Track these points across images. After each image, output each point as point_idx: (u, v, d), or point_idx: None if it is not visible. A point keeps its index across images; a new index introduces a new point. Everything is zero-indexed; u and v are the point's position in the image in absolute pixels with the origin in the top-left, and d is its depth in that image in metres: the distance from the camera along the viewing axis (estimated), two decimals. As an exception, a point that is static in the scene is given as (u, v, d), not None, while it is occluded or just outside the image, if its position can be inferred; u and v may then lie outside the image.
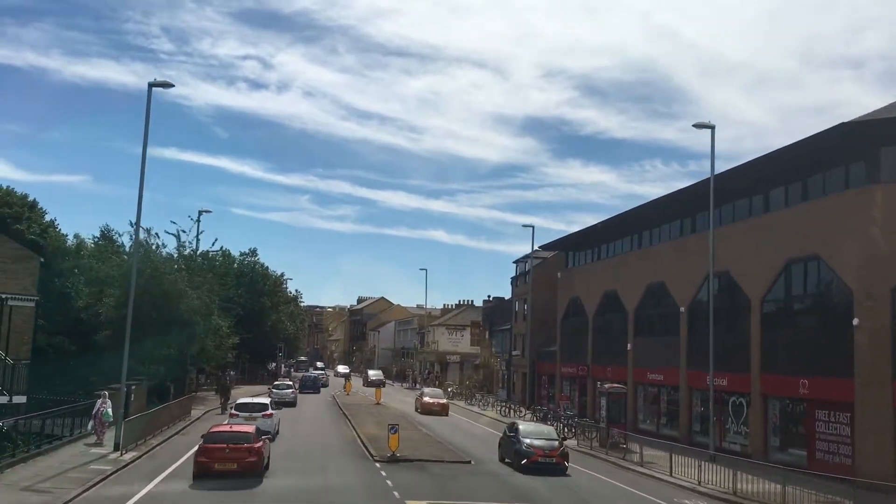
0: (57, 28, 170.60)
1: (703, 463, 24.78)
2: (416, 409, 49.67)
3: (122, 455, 25.02)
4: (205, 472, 21.36)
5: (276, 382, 58.39)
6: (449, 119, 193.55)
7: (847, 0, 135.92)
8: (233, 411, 33.20)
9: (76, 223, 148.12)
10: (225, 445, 21.72)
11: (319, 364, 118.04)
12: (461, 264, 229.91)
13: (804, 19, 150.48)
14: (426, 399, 50.33)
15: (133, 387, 36.01)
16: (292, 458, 26.09)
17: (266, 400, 36.52)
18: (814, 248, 27.26)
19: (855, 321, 24.72)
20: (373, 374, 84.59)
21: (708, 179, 32.01)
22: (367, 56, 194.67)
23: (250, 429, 23.52)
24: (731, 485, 22.94)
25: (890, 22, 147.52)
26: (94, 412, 27.67)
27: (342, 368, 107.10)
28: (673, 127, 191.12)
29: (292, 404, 48.36)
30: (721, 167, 31.37)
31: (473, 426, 43.10)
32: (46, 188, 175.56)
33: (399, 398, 62.54)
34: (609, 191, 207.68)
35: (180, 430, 33.81)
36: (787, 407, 28.90)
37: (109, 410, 27.63)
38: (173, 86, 27.70)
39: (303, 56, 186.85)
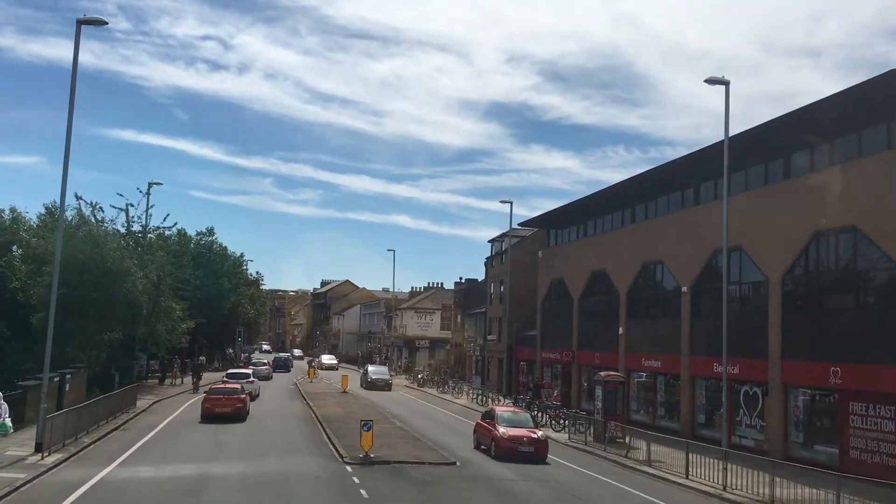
0: (10, 5, 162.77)
1: (726, 464, 21.26)
2: (361, 385, 55.47)
3: (43, 458, 20.90)
4: (208, 414, 31.73)
5: (253, 361, 70.00)
6: (412, 103, 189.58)
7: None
8: (225, 378, 40.98)
9: (32, 206, 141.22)
10: (222, 397, 32.57)
11: (297, 352, 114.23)
12: (426, 249, 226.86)
13: (764, 7, 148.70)
14: (371, 376, 55.98)
15: (69, 376, 31.80)
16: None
17: (249, 371, 48.88)
18: (849, 218, 23.86)
19: (903, 299, 21.43)
20: (326, 358, 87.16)
21: (715, 145, 28.74)
22: (329, 38, 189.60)
23: (238, 386, 34.95)
24: (764, 490, 19.58)
25: (848, 11, 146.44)
26: None
27: (297, 352, 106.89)
28: (635, 113, 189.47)
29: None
30: (680, 153, 28.02)
31: (450, 417, 39.39)
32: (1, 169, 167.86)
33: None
34: (572, 176, 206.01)
35: (121, 425, 29.67)
36: (814, 398, 25.60)
37: (8, 421, 22.66)
38: (106, 23, 23.31)
39: (264, 37, 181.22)
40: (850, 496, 17.62)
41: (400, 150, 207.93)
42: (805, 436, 25.72)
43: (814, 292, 26.24)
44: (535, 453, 24.26)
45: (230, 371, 46.96)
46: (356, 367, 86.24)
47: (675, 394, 33.75)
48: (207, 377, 52.19)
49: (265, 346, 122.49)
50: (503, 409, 27.77)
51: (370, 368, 59.58)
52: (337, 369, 76.05)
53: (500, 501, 18.25)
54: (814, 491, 18.65)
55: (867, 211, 23.24)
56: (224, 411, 31.67)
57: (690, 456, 22.69)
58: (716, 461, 21.84)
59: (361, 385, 55.49)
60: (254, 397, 39.91)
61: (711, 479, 21.54)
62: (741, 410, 28.90)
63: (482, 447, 26.10)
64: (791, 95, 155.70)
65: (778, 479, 19.48)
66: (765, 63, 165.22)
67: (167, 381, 51.82)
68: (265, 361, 68.91)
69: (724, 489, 20.65)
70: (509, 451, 24.09)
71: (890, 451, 21.85)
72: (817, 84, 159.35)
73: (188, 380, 54.18)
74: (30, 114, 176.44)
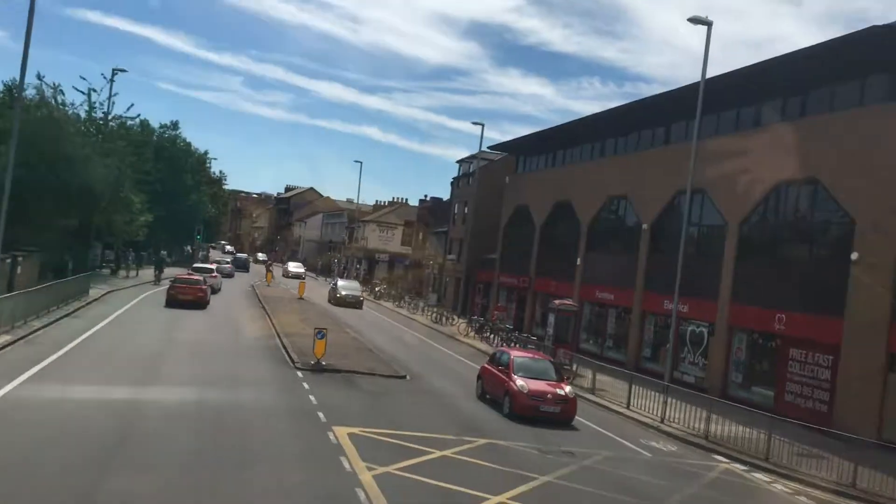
0: None
1: (666, 398, 21.98)
2: (329, 301, 50.33)
3: (-10, 339, 20.80)
4: (172, 300, 35.61)
5: (217, 259, 75.81)
6: (391, 12, 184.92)
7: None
8: (190, 271, 44.72)
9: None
10: (186, 286, 36.66)
11: (262, 256, 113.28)
12: (394, 163, 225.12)
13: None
14: (341, 292, 50.61)
15: (20, 258, 31.40)
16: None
17: (213, 267, 52.94)
18: (812, 171, 24.13)
19: (854, 255, 21.91)
20: (293, 266, 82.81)
21: (690, 86, 28.65)
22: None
23: (201, 278, 39.09)
24: (700, 425, 20.35)
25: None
26: None
27: (261, 255, 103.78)
28: (615, 46, 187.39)
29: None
30: (656, 91, 27.83)
31: (405, 332, 39.90)
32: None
33: (321, 293, 58.98)
34: (546, 104, 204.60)
35: (72, 313, 29.51)
36: (756, 341, 26.39)
37: None
38: None
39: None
40: (780, 437, 18.37)
41: (375, 60, 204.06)
42: (744, 377, 26.60)
43: (769, 240, 26.73)
44: (561, 414, 19.47)
45: (195, 265, 52.17)
46: (314, 275, 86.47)
47: (624, 327, 34.51)
48: (167, 272, 52.25)
49: (228, 248, 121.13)
50: (520, 355, 21.83)
51: (340, 283, 53.79)
52: (304, 278, 68.87)
53: (444, 415, 18.66)
54: (747, 429, 19.41)
55: (831, 166, 23.51)
56: (187, 298, 35.85)
57: (633, 387, 23.36)
58: (657, 394, 22.54)
59: (329, 300, 50.49)
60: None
61: (651, 411, 22.26)
62: (686, 348, 29.72)
63: (488, 397, 21.28)
64: (770, 42, 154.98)
65: (714, 416, 20.23)
66: (747, 6, 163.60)
67: (121, 272, 51.37)
68: (228, 260, 75.21)
69: (662, 421, 21.39)
70: (530, 410, 19.23)
71: (822, 398, 22.74)
72: (797, 33, 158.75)
73: (143, 273, 53.95)
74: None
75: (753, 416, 19.76)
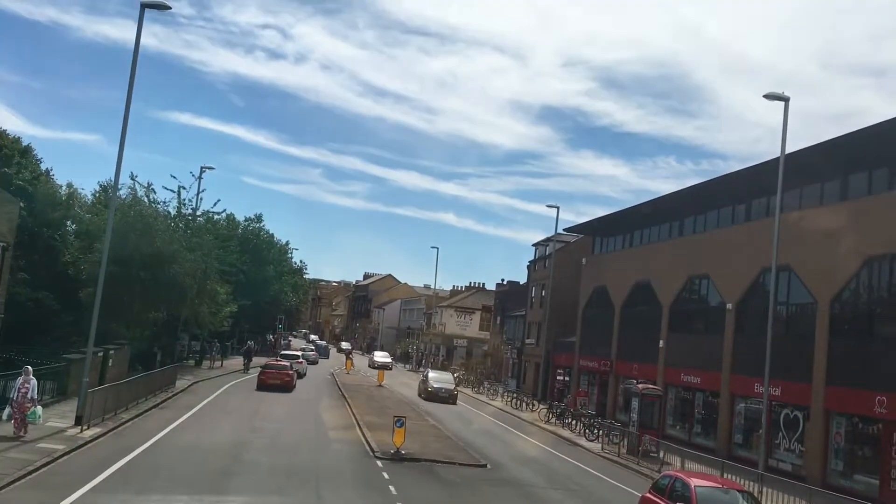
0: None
1: (762, 487, 20.88)
2: (420, 395, 45.62)
3: (82, 431, 21.36)
4: (262, 384, 39.74)
5: (303, 347, 78.84)
6: (465, 102, 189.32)
7: (870, 5, 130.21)
8: (279, 357, 49.82)
9: (88, 184, 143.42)
10: (275, 371, 40.92)
11: (346, 345, 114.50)
12: (470, 248, 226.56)
13: (827, 23, 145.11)
14: (433, 385, 44.91)
15: (112, 351, 32.50)
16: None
17: (300, 353, 58.73)
18: (905, 245, 23.21)
19: (957, 333, 20.75)
20: (380, 356, 72.60)
21: (770, 161, 28.21)
22: (386, 33, 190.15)
23: (288, 364, 43.55)
24: (799, 517, 19.17)
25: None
26: (12, 395, 19.43)
27: (345, 345, 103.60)
28: (690, 125, 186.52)
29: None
30: (733, 167, 27.32)
31: (484, 418, 39.27)
32: (61, 145, 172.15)
33: (401, 381, 58.92)
34: (621, 184, 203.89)
35: (160, 403, 30.16)
36: (857, 426, 24.92)
37: (38, 409, 19.62)
38: (169, 7, 23.72)
39: (322, 28, 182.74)
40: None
41: (450, 148, 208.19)
42: (845, 464, 25.06)
43: (863, 318, 25.54)
44: None
45: (283, 352, 57.51)
46: (393, 363, 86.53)
47: (712, 411, 33.17)
48: (239, 362, 54.35)
49: (313, 337, 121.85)
50: (703, 484, 16.19)
51: (431, 375, 47.55)
52: (391, 368, 65.86)
53: (523, 500, 18.12)
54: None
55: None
56: (275, 383, 39.96)
57: (725, 475, 22.28)
58: (751, 483, 21.42)
59: (419, 394, 45.70)
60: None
61: None
62: (780, 433, 28.30)
63: None
64: (851, 115, 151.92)
65: (815, 507, 19.07)
66: (826, 80, 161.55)
67: (205, 362, 52.44)
68: (312, 348, 79.90)
69: (758, 513, 20.22)
70: None
71: (933, 487, 21.21)
72: (879, 105, 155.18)
73: (227, 363, 55.11)
74: (92, 93, 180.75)
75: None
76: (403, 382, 57.25)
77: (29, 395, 19.20)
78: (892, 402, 22.75)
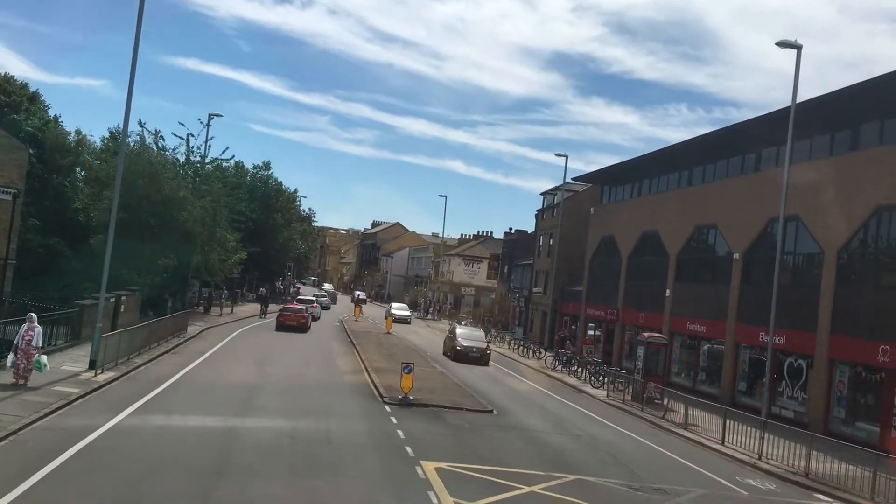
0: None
1: (764, 433, 21.13)
2: (445, 353, 40.05)
3: (96, 375, 21.79)
4: (281, 325, 44.64)
5: (315, 291, 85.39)
6: (474, 48, 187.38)
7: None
8: (296, 301, 57.23)
9: (96, 129, 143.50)
10: (292, 314, 46.06)
11: (328, 286, 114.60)
12: (478, 197, 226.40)
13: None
14: (462, 343, 38.80)
15: (124, 297, 32.91)
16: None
17: (314, 298, 63.61)
18: (914, 195, 23.12)
19: (963, 283, 20.82)
20: (397, 308, 67.73)
21: (781, 110, 27.98)
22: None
23: (303, 307, 49.26)
24: (799, 462, 19.47)
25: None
26: (16, 341, 19.00)
27: (360, 293, 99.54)
28: (702, 72, 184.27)
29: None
30: (746, 116, 27.06)
31: (490, 366, 39.76)
32: (68, 90, 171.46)
33: (410, 328, 59.52)
34: (631, 132, 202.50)
35: (172, 349, 30.63)
36: (859, 374, 25.18)
37: (43, 358, 19.14)
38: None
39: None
40: (886, 475, 17.43)
41: (458, 95, 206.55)
42: (847, 411, 25.39)
43: (870, 268, 25.60)
44: None
45: (299, 297, 65.17)
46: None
47: (717, 360, 33.50)
48: (252, 308, 56.51)
49: (326, 285, 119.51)
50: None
51: (460, 331, 41.21)
52: (409, 322, 63.64)
53: (532, 451, 18.49)
54: (850, 467, 18.47)
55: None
56: (292, 324, 44.86)
57: (728, 422, 22.60)
58: (753, 430, 21.73)
59: (445, 352, 40.25)
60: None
61: (747, 447, 21.46)
62: (784, 381, 28.62)
63: None
64: (866, 62, 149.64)
65: (815, 453, 19.34)
66: (841, 26, 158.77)
67: (213, 309, 52.76)
68: (325, 294, 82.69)
69: (760, 458, 20.60)
70: None
71: (933, 434, 21.51)
72: (894, 52, 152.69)
73: (239, 310, 55.77)
74: (98, 37, 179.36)
75: (857, 452, 18.81)
76: (412, 330, 57.83)
77: (34, 343, 18.95)
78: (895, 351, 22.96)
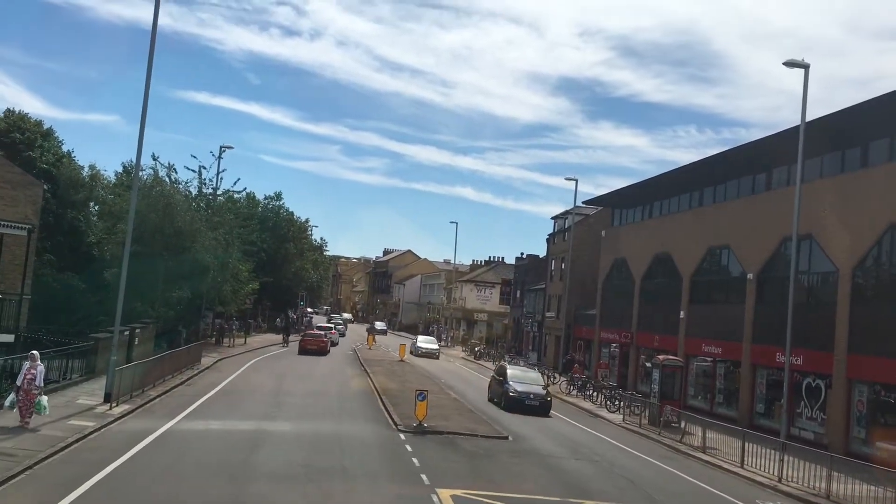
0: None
1: (783, 455, 20.90)
2: (492, 401, 32.95)
3: (111, 408, 21.80)
4: (303, 349, 49.31)
5: (334, 320, 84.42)
6: (481, 75, 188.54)
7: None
8: (316, 328, 62.31)
9: (109, 164, 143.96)
10: (312, 339, 51.29)
11: (346, 315, 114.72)
12: (489, 223, 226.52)
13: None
14: (515, 388, 31.04)
15: (138, 330, 32.96)
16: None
17: (332, 325, 68.87)
18: (928, 211, 23.01)
19: (980, 299, 20.61)
20: (424, 341, 62.76)
21: (790, 129, 27.96)
22: (401, 6, 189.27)
23: (323, 333, 54.54)
24: (820, 484, 19.23)
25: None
26: (18, 381, 18.14)
27: (379, 324, 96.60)
28: (710, 93, 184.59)
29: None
30: (755, 135, 27.09)
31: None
32: (81, 127, 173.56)
33: (431, 362, 59.34)
34: (640, 155, 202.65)
35: (186, 381, 30.66)
36: (879, 393, 24.89)
37: (44, 400, 18.10)
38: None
39: (337, 4, 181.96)
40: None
41: (467, 121, 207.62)
42: (867, 432, 25.07)
43: (886, 285, 25.40)
44: None
45: (319, 324, 69.92)
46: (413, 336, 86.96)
47: (734, 381, 33.22)
48: (263, 339, 57.47)
49: (346, 315, 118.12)
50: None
51: (511, 373, 33.18)
52: (437, 357, 58.51)
53: (548, 477, 18.32)
54: (872, 488, 18.25)
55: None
56: (313, 348, 49.71)
57: (746, 445, 22.38)
58: (772, 452, 21.51)
59: (491, 399, 33.27)
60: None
61: (767, 470, 21.24)
62: (802, 402, 28.33)
63: None
64: (875, 80, 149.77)
65: (836, 474, 19.12)
66: (849, 45, 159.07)
67: (225, 341, 52.07)
68: (341, 322, 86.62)
69: (780, 481, 20.35)
70: None
71: (956, 453, 21.19)
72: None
73: (253, 340, 55.85)
74: (108, 73, 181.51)
75: (880, 472, 18.56)
76: (440, 366, 57.67)
77: (36, 382, 18.00)
78: (915, 370, 22.70)
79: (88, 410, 21.16)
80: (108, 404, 22.11)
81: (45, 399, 18.26)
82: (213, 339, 52.28)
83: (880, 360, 24.16)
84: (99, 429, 18.97)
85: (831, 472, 19.07)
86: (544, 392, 31.69)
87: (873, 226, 25.23)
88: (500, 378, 32.86)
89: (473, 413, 27.73)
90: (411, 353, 50.20)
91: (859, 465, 19.86)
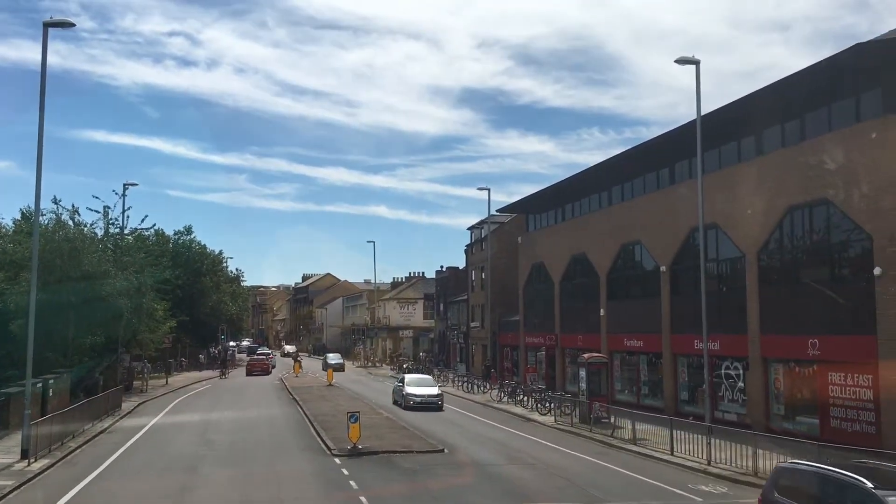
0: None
1: (710, 439, 21.57)
2: (397, 403, 38.04)
3: (29, 464, 20.82)
4: (250, 372, 64.73)
5: (258, 351, 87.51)
6: (385, 92, 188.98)
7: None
8: (256, 355, 76.31)
9: (5, 212, 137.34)
10: (257, 362, 68.47)
11: (290, 348, 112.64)
12: (406, 239, 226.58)
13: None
14: (414, 393, 37.03)
15: (52, 381, 31.54)
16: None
17: (269, 352, 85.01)
18: (820, 191, 24.19)
19: (876, 270, 21.77)
20: (332, 357, 73.80)
21: (688, 124, 29.01)
22: (298, 29, 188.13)
23: (264, 356, 74.04)
24: (747, 462, 19.89)
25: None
26: None
27: (289, 348, 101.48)
28: (608, 95, 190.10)
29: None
30: (655, 133, 28.21)
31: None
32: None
33: (351, 378, 58.84)
34: (549, 160, 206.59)
35: (107, 429, 29.50)
36: (793, 370, 25.97)
37: None
38: (73, 24, 23.15)
39: (232, 31, 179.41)
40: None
41: (375, 140, 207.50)
42: (786, 407, 26.11)
43: (790, 266, 26.57)
44: None
45: (259, 351, 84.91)
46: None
47: (657, 372, 34.11)
48: (187, 377, 56.84)
49: (269, 350, 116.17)
50: None
51: (409, 379, 40.10)
52: (343, 369, 68.05)
53: (491, 485, 18.41)
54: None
55: (838, 184, 23.56)
56: (258, 370, 64.82)
57: (675, 433, 23.01)
58: (699, 437, 22.16)
59: (396, 402, 38.51)
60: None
61: (696, 455, 21.87)
62: (723, 385, 29.30)
63: None
64: (763, 70, 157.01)
65: (761, 451, 19.79)
66: (736, 39, 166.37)
67: (136, 384, 48.02)
68: (268, 352, 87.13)
69: (709, 464, 20.97)
70: None
71: (867, 419, 22.25)
72: (787, 59, 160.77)
73: (174, 380, 54.14)
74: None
75: (801, 446, 19.35)
76: (354, 379, 57.18)
77: None
78: (824, 344, 23.79)
79: (5, 469, 20.20)
80: (26, 460, 21.13)
81: None
82: (125, 386, 49.90)
83: (791, 339, 25.21)
84: (18, 486, 18.12)
85: (756, 451, 19.75)
86: (437, 392, 37.82)
87: (774, 210, 26.36)
88: (401, 385, 39.13)
89: (406, 429, 27.63)
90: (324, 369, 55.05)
91: (782, 440, 20.65)
